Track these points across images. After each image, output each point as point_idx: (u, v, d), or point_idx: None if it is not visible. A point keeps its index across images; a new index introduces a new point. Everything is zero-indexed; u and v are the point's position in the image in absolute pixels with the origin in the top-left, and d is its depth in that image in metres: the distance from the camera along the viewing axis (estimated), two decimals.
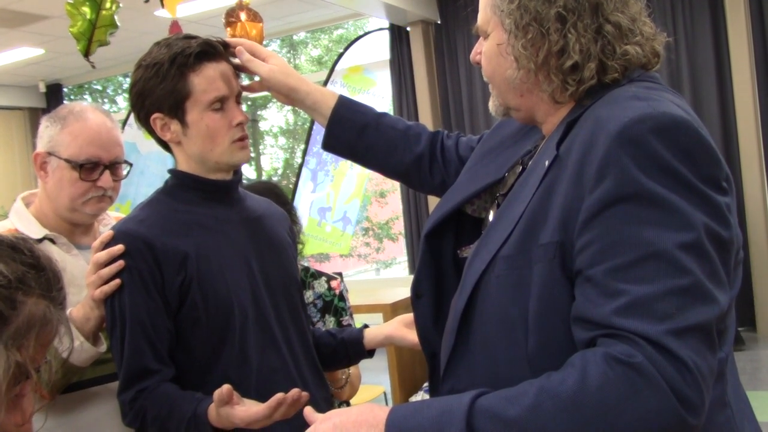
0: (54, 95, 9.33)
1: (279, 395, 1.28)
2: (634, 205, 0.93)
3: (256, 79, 1.56)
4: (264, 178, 11.83)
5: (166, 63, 1.43)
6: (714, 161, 0.97)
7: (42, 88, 9.17)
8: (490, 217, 1.24)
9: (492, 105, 1.23)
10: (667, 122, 0.95)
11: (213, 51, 1.46)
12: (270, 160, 12.74)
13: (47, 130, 1.65)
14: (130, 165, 1.73)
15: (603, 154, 0.95)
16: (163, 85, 1.44)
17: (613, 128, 0.96)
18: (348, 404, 2.36)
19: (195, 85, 1.44)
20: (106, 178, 1.66)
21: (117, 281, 1.43)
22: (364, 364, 1.97)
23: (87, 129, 1.64)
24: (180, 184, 1.53)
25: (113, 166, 1.68)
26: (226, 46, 1.51)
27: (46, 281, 0.90)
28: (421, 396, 4.19)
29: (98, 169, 1.65)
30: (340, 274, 2.98)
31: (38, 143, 1.67)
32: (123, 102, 11.77)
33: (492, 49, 1.15)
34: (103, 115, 1.68)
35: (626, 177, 0.93)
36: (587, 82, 1.06)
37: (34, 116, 9.46)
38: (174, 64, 1.43)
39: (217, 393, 1.28)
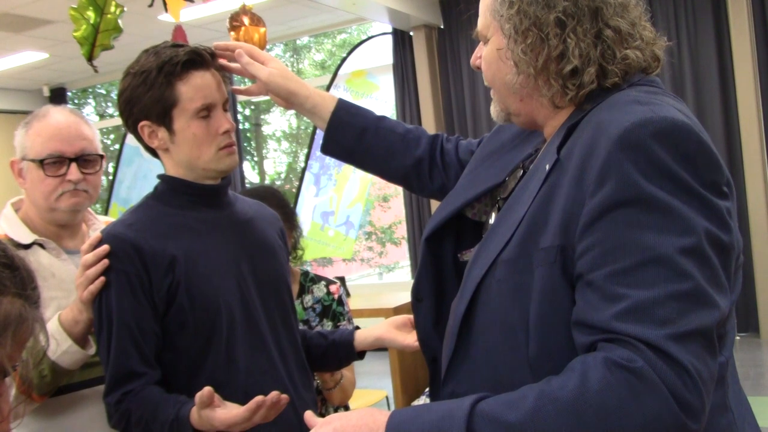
0: (58, 99, 9.35)
1: (258, 398, 1.28)
2: (634, 209, 0.93)
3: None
4: (267, 182, 11.84)
5: (153, 71, 1.44)
6: (715, 166, 0.96)
7: (46, 92, 9.21)
8: (491, 221, 1.24)
9: (493, 110, 1.23)
10: (668, 127, 0.95)
11: (200, 59, 1.47)
12: (273, 165, 12.76)
13: (17, 138, 1.68)
14: (102, 157, 1.72)
15: (604, 158, 0.95)
16: (151, 93, 1.45)
17: (614, 132, 0.96)
18: (347, 409, 2.36)
19: (182, 94, 1.45)
20: (72, 171, 1.65)
21: (102, 279, 1.43)
22: (367, 368, 1.97)
23: (47, 126, 1.65)
24: (169, 188, 1.53)
25: (82, 160, 1.67)
26: (213, 55, 1.52)
27: (21, 280, 0.90)
28: (423, 400, 4.18)
29: (64, 163, 1.64)
30: (342, 279, 2.99)
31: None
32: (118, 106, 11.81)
33: (492, 53, 1.15)
34: (68, 112, 1.70)
35: (627, 181, 0.93)
36: (587, 87, 1.06)
37: None
38: (161, 72, 1.44)
39: (198, 395, 1.28)
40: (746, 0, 5.80)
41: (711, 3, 5.98)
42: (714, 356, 0.92)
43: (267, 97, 1.57)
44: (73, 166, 1.65)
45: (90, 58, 2.35)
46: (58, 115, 1.67)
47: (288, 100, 1.53)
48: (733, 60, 5.90)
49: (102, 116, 11.59)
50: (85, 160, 1.67)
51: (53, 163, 1.63)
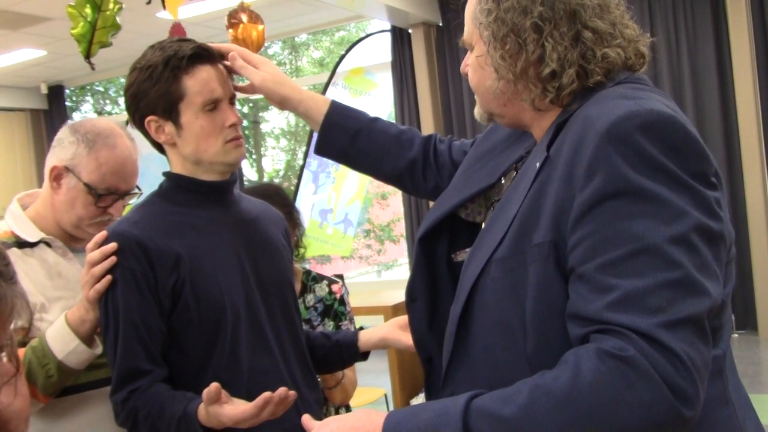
0: (56, 97, 9.35)
1: (266, 394, 1.28)
2: (623, 200, 0.94)
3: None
4: (265, 179, 11.83)
5: (159, 65, 1.44)
6: (702, 157, 0.97)
7: (44, 90, 9.19)
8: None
9: (477, 112, 1.25)
10: (654, 119, 0.96)
11: (206, 54, 1.47)
12: (271, 162, 12.76)
13: (72, 147, 1.62)
14: (141, 192, 1.72)
15: (592, 152, 0.96)
16: (157, 87, 1.45)
17: (601, 126, 0.97)
18: (348, 408, 2.36)
19: (188, 88, 1.45)
20: (117, 207, 1.66)
21: (108, 277, 1.43)
22: (366, 366, 1.97)
23: (113, 159, 1.63)
24: (174, 186, 1.53)
25: (124, 196, 1.68)
26: (221, 55, 1.52)
27: None
28: (422, 398, 4.19)
29: (113, 197, 1.64)
30: (341, 277, 2.99)
31: (57, 152, 1.64)
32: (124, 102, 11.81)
33: (474, 60, 1.17)
34: (130, 144, 1.68)
35: (615, 174, 0.94)
36: (567, 88, 1.08)
37: (35, 118, 9.47)
38: (167, 66, 1.44)
39: (205, 392, 1.28)
40: None
41: (710, 2, 5.98)
42: (707, 343, 0.92)
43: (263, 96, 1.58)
44: (119, 202, 1.66)
45: (87, 55, 2.35)
46: (123, 148, 1.65)
47: (281, 103, 1.54)
48: (732, 59, 5.90)
49: (100, 113, 11.58)
50: (129, 194, 1.69)
51: (105, 196, 1.63)
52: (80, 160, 1.61)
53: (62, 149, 1.63)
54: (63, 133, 1.65)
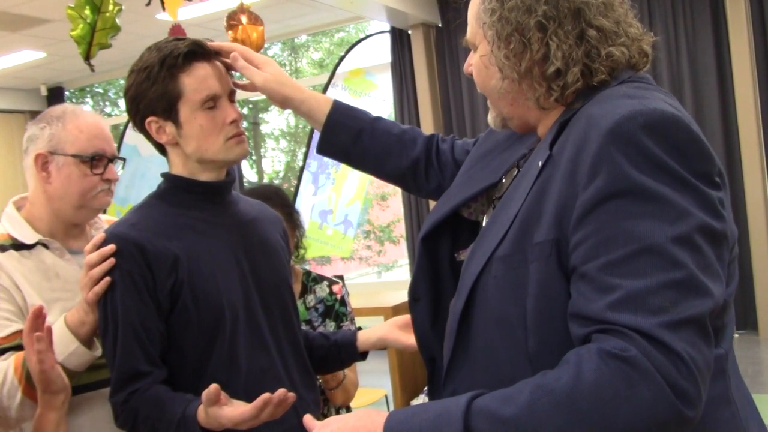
0: (55, 98, 9.34)
1: (265, 395, 1.28)
2: (626, 200, 0.93)
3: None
4: (265, 181, 11.84)
5: (155, 66, 1.44)
6: (705, 156, 0.97)
7: (43, 92, 9.19)
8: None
9: (490, 117, 1.24)
10: (658, 118, 0.96)
11: (201, 51, 1.47)
12: (271, 163, 12.76)
13: (45, 131, 1.64)
14: (124, 160, 1.76)
15: (595, 151, 0.96)
16: (155, 87, 1.45)
17: (605, 125, 0.97)
18: (349, 409, 2.35)
19: (186, 85, 1.45)
20: (111, 171, 1.67)
21: (107, 279, 1.43)
22: (366, 367, 1.97)
23: (90, 124, 1.66)
24: (172, 187, 1.53)
25: (113, 161, 1.70)
26: (218, 52, 1.52)
27: None
28: (422, 399, 4.19)
29: (103, 162, 1.66)
30: (341, 278, 2.99)
31: (32, 148, 1.65)
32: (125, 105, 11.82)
33: (478, 60, 1.17)
34: (95, 113, 1.72)
35: (618, 173, 0.94)
36: (571, 87, 1.07)
37: None
38: (163, 66, 1.44)
39: (205, 393, 1.28)
40: None
41: (709, 2, 5.98)
42: (709, 344, 0.92)
43: (264, 96, 1.58)
44: (111, 165, 1.68)
45: (87, 57, 2.35)
46: (92, 114, 1.70)
47: (283, 104, 1.54)
48: (731, 58, 5.90)
49: None
50: (115, 161, 1.71)
51: (98, 161, 1.65)
52: (59, 137, 1.64)
53: (36, 142, 1.65)
54: (30, 131, 1.68)
